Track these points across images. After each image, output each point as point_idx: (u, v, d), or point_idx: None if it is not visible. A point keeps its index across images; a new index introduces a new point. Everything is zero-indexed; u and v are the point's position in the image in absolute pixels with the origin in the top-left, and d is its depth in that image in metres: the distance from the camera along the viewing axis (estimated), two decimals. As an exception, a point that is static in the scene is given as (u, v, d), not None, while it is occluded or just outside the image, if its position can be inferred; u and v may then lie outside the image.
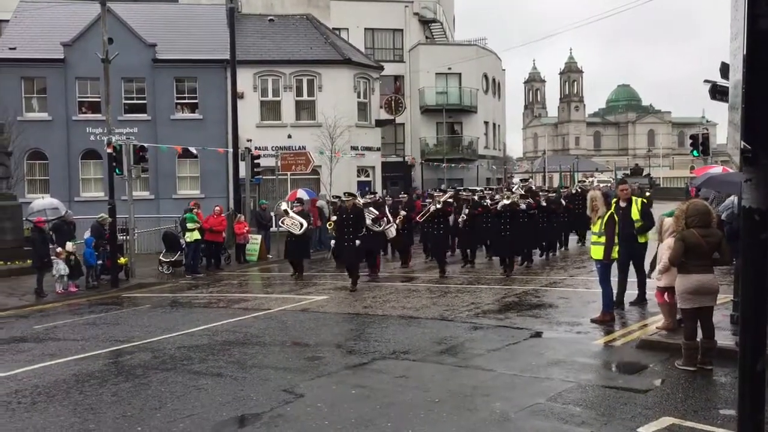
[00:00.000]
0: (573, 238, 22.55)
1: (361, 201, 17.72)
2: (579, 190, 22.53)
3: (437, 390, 7.24)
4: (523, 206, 16.22)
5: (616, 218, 10.34)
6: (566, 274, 16.26)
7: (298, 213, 17.89)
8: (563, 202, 20.54)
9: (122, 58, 20.71)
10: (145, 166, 19.49)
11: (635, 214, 11.19)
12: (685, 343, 7.75)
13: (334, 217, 17.25)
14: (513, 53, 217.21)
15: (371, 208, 17.48)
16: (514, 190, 19.18)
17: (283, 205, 18.97)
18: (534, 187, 24.26)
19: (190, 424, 6.44)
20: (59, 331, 11.63)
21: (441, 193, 18.43)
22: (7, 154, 21.80)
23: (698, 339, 7.73)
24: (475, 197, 19.25)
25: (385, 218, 17.85)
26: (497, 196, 18.42)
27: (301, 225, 17.38)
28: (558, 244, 20.65)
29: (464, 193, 19.94)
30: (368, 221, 16.37)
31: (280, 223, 18.30)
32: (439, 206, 16.90)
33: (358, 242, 14.57)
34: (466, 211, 17.83)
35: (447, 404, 6.73)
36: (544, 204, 18.36)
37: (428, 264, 19.04)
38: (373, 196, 20.57)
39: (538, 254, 19.35)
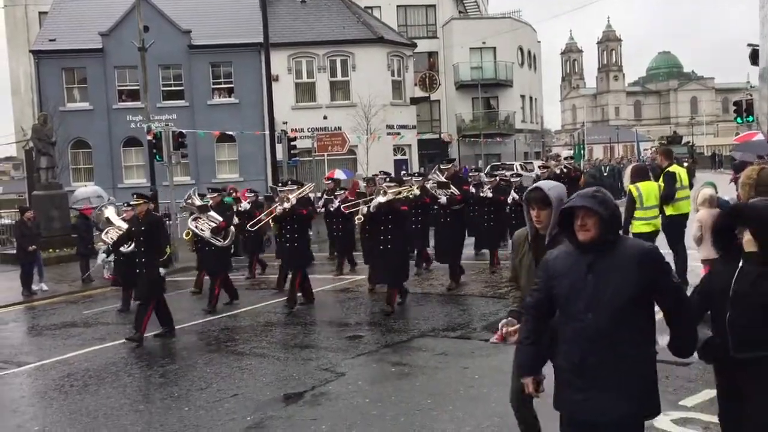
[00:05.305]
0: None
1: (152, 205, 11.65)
2: (564, 170, 16.23)
3: (477, 366, 7.28)
4: (443, 200, 11.98)
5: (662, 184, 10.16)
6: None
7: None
8: None
9: (158, 45, 20.98)
10: (184, 152, 19.80)
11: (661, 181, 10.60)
12: None
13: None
14: (548, 24, 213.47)
15: (212, 213, 11.95)
16: (433, 177, 12.80)
17: (107, 212, 12.48)
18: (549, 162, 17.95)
19: (236, 403, 6.61)
20: (107, 316, 11.97)
21: (295, 187, 11.67)
22: (51, 144, 22.30)
23: None
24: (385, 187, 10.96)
25: (231, 227, 12.26)
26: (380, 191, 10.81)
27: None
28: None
29: (362, 183, 12.98)
30: (207, 234, 11.82)
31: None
32: (286, 206, 11.10)
33: (123, 248, 10.34)
34: (365, 210, 10.93)
35: (487, 380, 6.77)
36: (489, 195, 13.50)
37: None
38: (215, 194, 12.87)
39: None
